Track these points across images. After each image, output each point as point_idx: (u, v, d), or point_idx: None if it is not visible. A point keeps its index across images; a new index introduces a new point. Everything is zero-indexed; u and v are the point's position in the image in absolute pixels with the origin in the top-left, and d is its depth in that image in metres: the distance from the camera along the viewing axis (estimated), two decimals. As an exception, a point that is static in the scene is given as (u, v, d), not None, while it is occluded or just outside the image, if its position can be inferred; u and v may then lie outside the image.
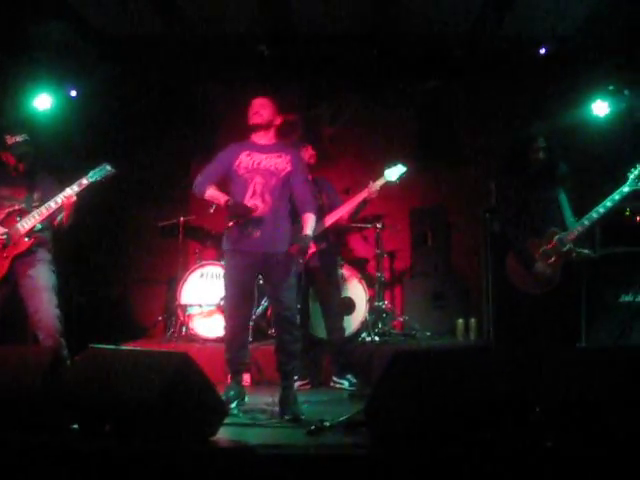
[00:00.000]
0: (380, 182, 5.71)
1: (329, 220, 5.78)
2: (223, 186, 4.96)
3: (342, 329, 5.88)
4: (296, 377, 5.61)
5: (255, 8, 6.27)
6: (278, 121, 4.95)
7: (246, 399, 4.98)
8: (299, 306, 5.36)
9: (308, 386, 5.73)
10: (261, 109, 4.86)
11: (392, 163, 5.78)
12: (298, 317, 5.00)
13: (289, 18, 6.52)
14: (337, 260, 6.15)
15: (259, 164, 4.80)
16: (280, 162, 4.82)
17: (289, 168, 4.82)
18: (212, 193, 4.85)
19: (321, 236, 5.70)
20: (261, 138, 4.90)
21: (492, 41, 6.70)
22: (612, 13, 5.97)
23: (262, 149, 4.87)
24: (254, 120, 4.86)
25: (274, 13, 6.41)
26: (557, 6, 6.01)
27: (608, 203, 4.86)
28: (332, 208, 5.84)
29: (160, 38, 6.75)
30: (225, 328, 4.98)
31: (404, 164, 5.76)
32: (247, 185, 4.76)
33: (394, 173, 5.74)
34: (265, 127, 4.88)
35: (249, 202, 4.71)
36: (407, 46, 6.98)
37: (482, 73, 7.18)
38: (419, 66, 7.29)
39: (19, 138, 5.02)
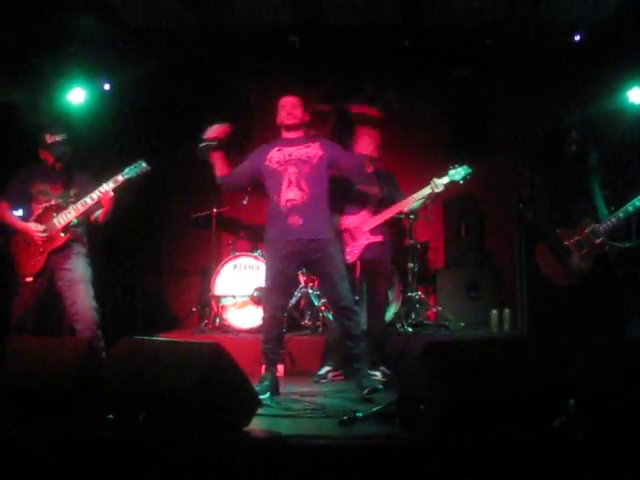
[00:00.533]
0: (444, 180, 5.48)
1: (387, 214, 5.68)
2: (254, 187, 5.33)
3: (384, 322, 5.90)
4: (329, 367, 5.65)
5: (286, 0, 6.26)
6: (307, 118, 5.16)
7: (279, 390, 5.02)
8: (357, 297, 5.42)
9: (341, 377, 5.74)
10: (293, 110, 5.05)
11: (458, 164, 5.51)
12: (354, 301, 5.08)
13: (320, 9, 6.49)
14: (390, 254, 5.97)
15: (290, 155, 4.96)
16: (310, 150, 4.97)
17: (320, 152, 4.96)
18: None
19: (378, 229, 5.68)
20: (291, 134, 5.08)
21: (525, 28, 6.60)
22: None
23: (291, 142, 5.03)
24: (289, 121, 5.05)
25: (305, 4, 6.39)
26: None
27: None
28: (392, 202, 5.73)
29: (191, 30, 6.77)
30: (263, 318, 5.04)
31: (470, 166, 5.50)
32: (282, 177, 4.91)
33: (459, 174, 5.48)
34: (298, 127, 5.07)
35: (286, 193, 4.87)
36: (439, 35, 6.91)
37: (515, 61, 7.08)
38: (451, 55, 7.22)
39: (58, 137, 5.10)
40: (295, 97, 5.12)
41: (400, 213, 5.79)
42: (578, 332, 4.84)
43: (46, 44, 6.14)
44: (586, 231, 4.87)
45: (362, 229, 5.64)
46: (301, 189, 4.86)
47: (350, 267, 5.56)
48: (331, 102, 7.69)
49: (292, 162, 4.93)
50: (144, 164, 5.11)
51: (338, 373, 5.73)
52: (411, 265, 6.92)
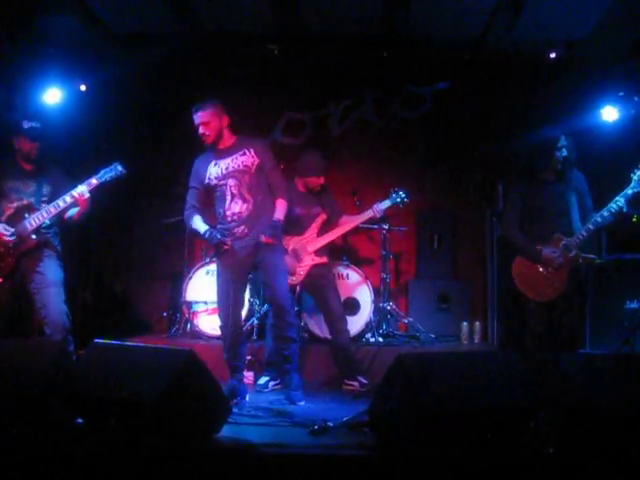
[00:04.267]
0: (384, 205, 5.91)
1: (330, 236, 5.87)
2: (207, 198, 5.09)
3: (347, 331, 5.84)
4: (268, 377, 5.64)
5: (266, 7, 6.26)
6: (226, 121, 4.92)
7: (247, 397, 5.01)
8: (297, 308, 5.68)
9: (280, 386, 5.62)
10: (207, 127, 4.83)
11: (399, 189, 5.99)
12: (292, 302, 5.15)
13: (299, 18, 6.51)
14: (331, 267, 6.13)
15: (227, 169, 4.87)
16: (246, 158, 4.89)
17: (257, 160, 4.89)
18: (195, 225, 4.95)
19: (322, 250, 5.80)
20: (221, 145, 4.94)
21: (502, 45, 6.70)
22: (623, 19, 5.96)
23: (225, 153, 4.92)
24: (206, 140, 4.87)
25: (285, 12, 6.40)
26: (568, 11, 5.99)
27: (613, 206, 4.81)
28: (334, 220, 5.93)
29: (170, 35, 6.74)
30: (219, 327, 5.06)
31: (406, 191, 5.98)
32: (224, 192, 4.87)
33: (400, 197, 5.96)
34: (222, 137, 4.91)
35: (231, 207, 4.84)
36: (417, 48, 6.98)
37: (491, 77, 7.18)
38: (429, 69, 7.31)
39: (35, 124, 5.02)
40: (203, 110, 4.82)
41: (342, 235, 6.01)
42: (548, 346, 4.87)
43: (23, 43, 6.09)
44: (559, 246, 4.90)
45: (307, 250, 5.74)
46: (245, 200, 4.83)
47: (295, 284, 5.75)
48: (307, 111, 7.73)
49: (230, 175, 4.85)
50: (120, 167, 5.03)
51: (277, 382, 5.68)
52: (383, 276, 6.95)
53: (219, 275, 5.01)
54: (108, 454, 3.33)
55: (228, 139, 4.95)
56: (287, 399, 4.87)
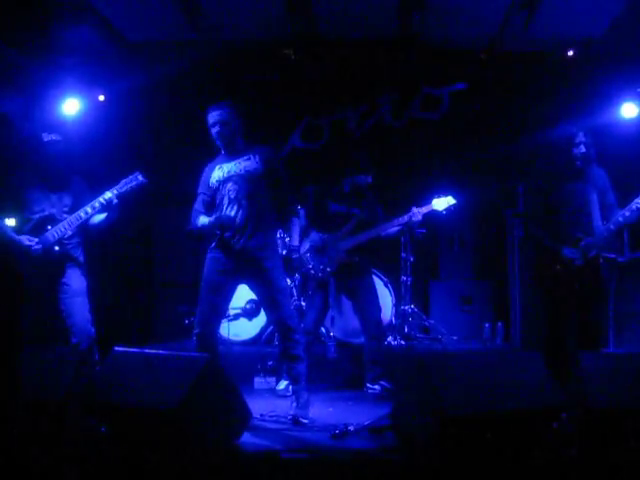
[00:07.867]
0: (423, 210, 5.65)
1: (364, 237, 5.68)
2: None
3: (381, 337, 5.78)
4: (288, 381, 5.36)
5: (282, 13, 6.28)
6: (240, 124, 4.75)
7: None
8: (303, 303, 5.66)
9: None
10: (224, 128, 4.66)
11: (442, 193, 5.70)
12: (297, 319, 4.92)
13: (315, 23, 6.52)
14: (370, 269, 5.99)
15: (229, 172, 4.68)
16: (250, 164, 4.67)
17: (260, 167, 4.67)
18: (200, 222, 4.71)
19: (354, 249, 5.67)
20: (232, 146, 4.76)
21: (519, 44, 6.67)
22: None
23: (232, 157, 4.74)
24: (221, 141, 4.72)
25: (300, 17, 6.41)
26: (585, 8, 5.95)
27: (634, 206, 4.76)
28: (371, 221, 5.75)
29: (186, 43, 6.78)
30: (194, 333, 4.80)
31: (454, 196, 5.69)
32: (222, 195, 4.67)
33: (442, 204, 5.67)
34: (232, 142, 4.74)
35: (226, 211, 4.59)
36: (433, 50, 6.96)
37: (509, 76, 7.15)
38: (445, 70, 7.29)
39: (55, 136, 5.04)
40: (222, 107, 4.66)
41: (377, 237, 5.75)
42: (571, 346, 4.83)
43: (40, 54, 6.14)
44: (580, 246, 4.86)
45: (338, 248, 5.64)
46: (241, 205, 4.57)
47: (324, 283, 5.62)
48: (325, 115, 7.74)
49: (231, 179, 4.64)
50: (140, 177, 5.00)
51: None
52: (404, 278, 6.92)
53: (206, 279, 4.74)
54: (130, 461, 3.35)
55: (238, 143, 4.77)
56: (292, 418, 4.50)
